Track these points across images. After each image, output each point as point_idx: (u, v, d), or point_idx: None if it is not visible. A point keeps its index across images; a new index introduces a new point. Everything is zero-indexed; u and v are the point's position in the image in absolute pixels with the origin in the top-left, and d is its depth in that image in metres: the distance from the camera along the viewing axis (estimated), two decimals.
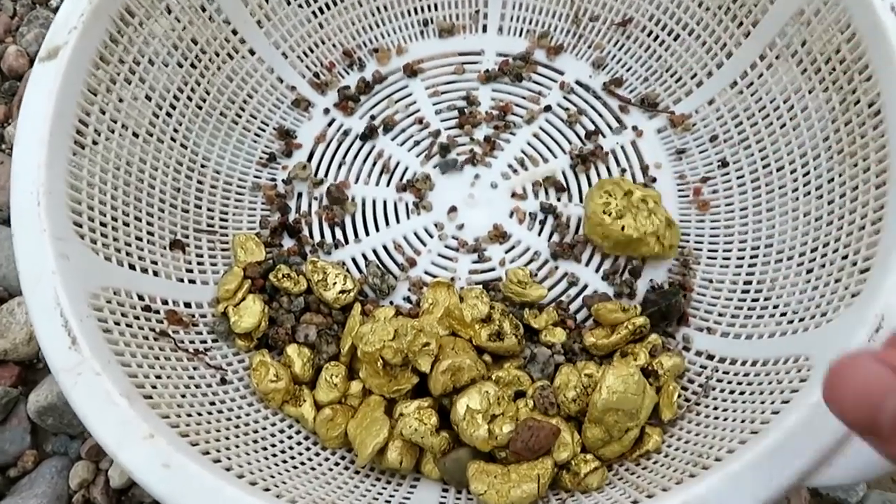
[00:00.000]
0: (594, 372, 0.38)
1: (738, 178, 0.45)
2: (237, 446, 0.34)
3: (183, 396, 0.35)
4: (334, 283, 0.43)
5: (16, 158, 0.35)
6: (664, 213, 0.44)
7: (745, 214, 0.44)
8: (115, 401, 0.30)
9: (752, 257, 0.43)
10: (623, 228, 0.43)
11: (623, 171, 0.48)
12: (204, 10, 0.46)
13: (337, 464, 0.38)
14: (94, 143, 0.39)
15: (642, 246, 0.43)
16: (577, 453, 0.36)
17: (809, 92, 0.41)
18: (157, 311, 0.39)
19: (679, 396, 0.38)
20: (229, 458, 0.32)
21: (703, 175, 0.47)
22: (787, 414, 0.29)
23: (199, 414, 0.35)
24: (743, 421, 0.32)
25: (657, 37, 0.50)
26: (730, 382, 0.37)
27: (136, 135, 0.42)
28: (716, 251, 0.44)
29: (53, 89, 0.37)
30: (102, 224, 0.38)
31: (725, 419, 0.34)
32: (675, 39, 0.49)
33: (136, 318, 0.37)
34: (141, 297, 0.38)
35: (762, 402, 0.33)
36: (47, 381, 0.43)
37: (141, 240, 0.41)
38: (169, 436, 0.30)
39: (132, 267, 0.39)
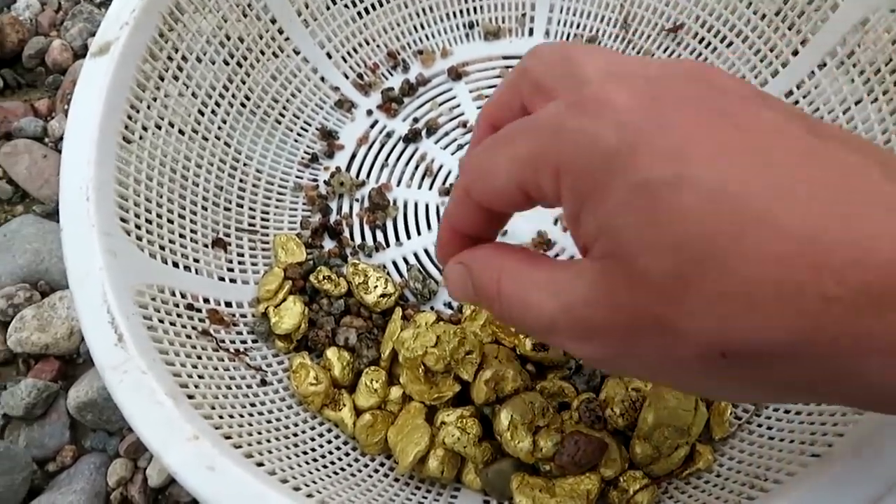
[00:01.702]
0: (642, 386, 0.37)
1: None
2: (278, 450, 0.34)
3: (224, 397, 0.35)
4: (375, 287, 0.43)
5: (66, 153, 0.35)
6: None
7: None
8: (160, 400, 0.30)
9: None
10: None
11: None
12: (251, 7, 0.46)
13: (376, 470, 0.37)
14: (141, 138, 0.39)
15: None
16: (624, 469, 0.35)
17: (872, 102, 0.40)
18: (199, 310, 0.39)
19: (730, 414, 0.37)
20: (272, 462, 0.32)
21: None
22: (854, 437, 0.28)
23: (241, 416, 0.34)
24: (802, 443, 0.31)
25: (709, 43, 0.49)
26: None
27: (181, 132, 0.42)
28: None
29: (104, 85, 0.36)
30: (147, 221, 0.38)
31: (782, 440, 0.33)
32: (727, 46, 0.48)
33: (179, 316, 0.37)
34: (183, 295, 0.38)
35: (822, 424, 0.31)
36: (87, 377, 0.43)
37: (184, 237, 0.41)
38: (213, 437, 0.30)
39: (175, 264, 0.39)
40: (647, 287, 0.17)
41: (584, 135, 0.18)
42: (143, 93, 0.39)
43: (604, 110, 0.18)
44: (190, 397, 0.32)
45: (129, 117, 0.38)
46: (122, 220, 0.36)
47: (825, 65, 0.43)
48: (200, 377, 0.34)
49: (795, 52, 0.45)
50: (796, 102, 0.45)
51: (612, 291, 0.18)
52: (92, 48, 0.38)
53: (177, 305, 0.37)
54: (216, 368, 0.36)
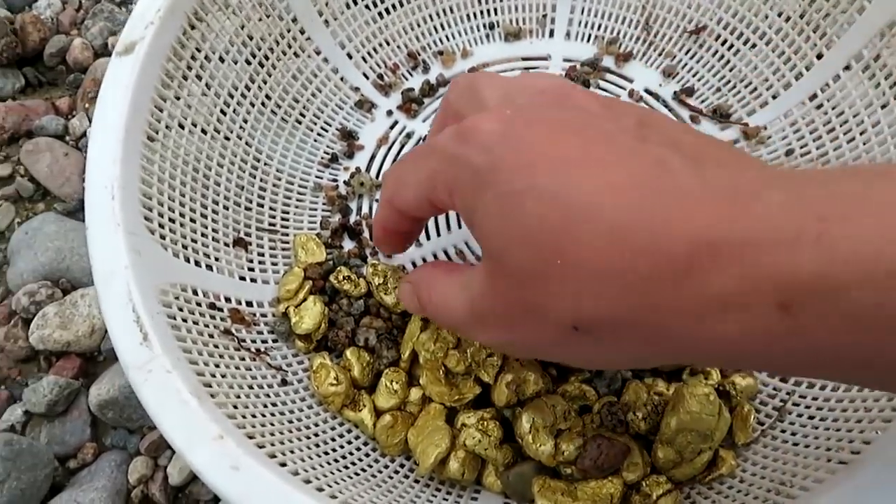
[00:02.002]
0: (664, 390, 0.37)
1: None
2: (300, 450, 0.34)
3: (246, 397, 0.35)
4: (395, 287, 0.43)
5: (91, 152, 0.35)
6: None
7: None
8: (184, 399, 0.30)
9: None
10: None
11: None
12: (273, 7, 0.46)
13: (397, 471, 0.37)
14: (165, 137, 0.39)
15: None
16: (647, 474, 0.35)
17: None
18: (221, 309, 0.39)
19: (754, 419, 0.36)
20: (294, 463, 0.32)
21: None
22: (882, 444, 0.28)
23: (263, 415, 0.34)
24: (829, 449, 0.31)
25: (731, 45, 0.48)
26: (808, 407, 0.36)
27: (203, 131, 0.42)
28: None
29: (130, 84, 0.37)
30: (170, 220, 0.38)
31: (807, 446, 0.33)
32: (750, 49, 0.48)
33: (202, 315, 0.37)
34: (206, 295, 0.38)
35: (849, 431, 0.31)
36: (108, 375, 0.43)
37: (206, 236, 0.41)
38: (237, 437, 0.30)
39: (197, 264, 0.39)
40: (514, 278, 0.21)
41: (460, 158, 0.23)
42: (166, 92, 0.39)
43: (475, 136, 0.23)
44: (213, 396, 0.32)
45: (154, 116, 0.38)
46: (147, 218, 0.36)
47: (850, 68, 0.43)
48: (223, 376, 0.34)
49: (820, 56, 0.44)
50: (820, 106, 0.44)
51: (494, 285, 0.23)
52: (117, 47, 0.38)
53: (199, 305, 0.37)
54: (238, 368, 0.36)
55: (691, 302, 0.18)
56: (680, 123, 0.24)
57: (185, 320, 0.35)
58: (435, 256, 0.46)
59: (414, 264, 0.46)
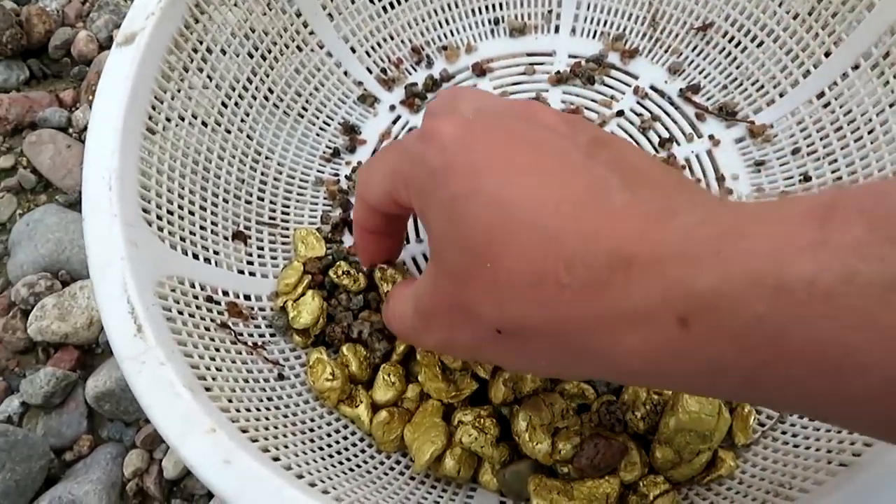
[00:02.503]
0: (664, 390, 0.36)
1: None
2: (294, 444, 0.34)
3: (242, 391, 0.35)
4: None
5: (89, 143, 0.35)
6: None
7: None
8: (178, 392, 0.30)
9: None
10: None
11: (698, 181, 0.46)
12: (276, 0, 0.45)
13: (392, 468, 0.37)
14: (164, 129, 0.39)
15: None
16: (644, 474, 0.34)
17: None
18: (219, 303, 0.38)
19: (754, 420, 0.36)
20: (288, 457, 0.32)
21: (782, 189, 0.45)
22: (883, 447, 0.27)
23: (258, 409, 0.34)
24: (829, 451, 0.30)
25: (739, 42, 0.48)
26: None
27: (204, 124, 0.42)
28: None
29: (129, 75, 0.36)
30: (169, 212, 0.38)
31: (808, 448, 0.32)
32: (758, 46, 0.47)
33: (199, 308, 0.37)
34: (203, 288, 0.38)
35: (850, 433, 0.30)
36: (105, 367, 0.43)
37: (205, 229, 0.40)
38: (230, 431, 0.30)
39: (195, 256, 0.39)
40: (451, 277, 0.22)
41: (419, 157, 0.23)
42: (167, 83, 0.39)
43: (435, 137, 0.23)
44: (207, 390, 0.32)
45: (154, 108, 0.38)
46: (144, 210, 0.36)
47: (859, 66, 0.42)
48: (218, 370, 0.34)
49: (828, 53, 0.44)
50: (828, 104, 0.44)
51: (436, 284, 0.23)
52: (118, 38, 0.38)
53: (196, 297, 0.37)
54: (234, 362, 0.36)
55: (606, 315, 0.19)
56: (634, 147, 0.24)
57: (181, 313, 0.35)
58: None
59: (414, 260, 0.45)
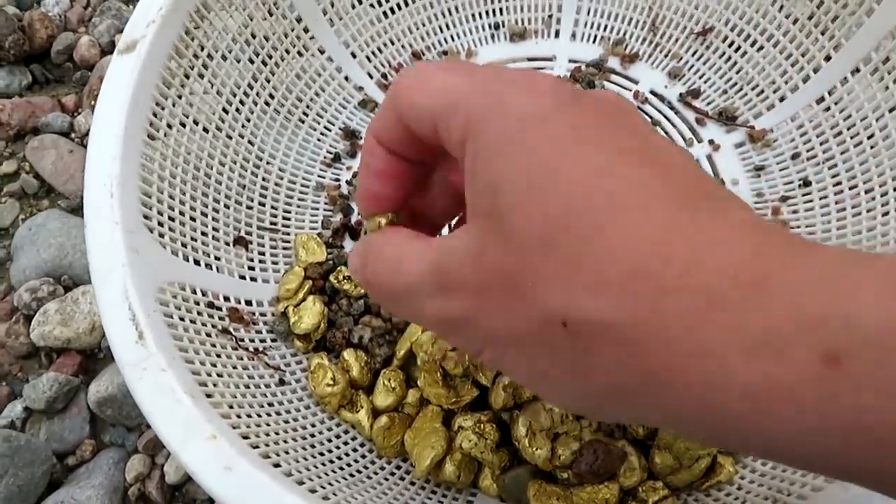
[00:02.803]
0: None
1: (820, 198, 0.43)
2: (295, 450, 0.34)
3: (242, 396, 0.35)
4: None
5: (91, 149, 0.35)
6: None
7: (827, 238, 0.42)
8: (179, 398, 0.30)
9: None
10: None
11: None
12: (277, 6, 0.46)
13: (392, 473, 0.37)
14: (166, 135, 0.39)
15: None
16: (643, 479, 0.34)
17: None
18: (220, 308, 0.39)
19: None
20: (288, 463, 0.32)
21: (782, 194, 0.45)
22: None
23: (258, 415, 0.34)
24: None
25: (739, 47, 0.48)
26: None
27: (205, 130, 0.42)
28: None
29: (130, 82, 0.37)
30: (170, 218, 0.38)
31: None
32: (758, 51, 0.47)
33: (200, 314, 0.37)
34: (204, 293, 0.38)
35: None
36: (108, 372, 0.43)
37: (206, 235, 0.41)
38: (231, 437, 0.30)
39: (197, 262, 0.39)
40: (514, 244, 0.18)
41: (504, 95, 0.19)
42: (168, 90, 0.39)
43: (538, 85, 0.19)
44: (208, 396, 0.32)
45: (155, 114, 0.38)
46: (146, 216, 0.36)
47: (858, 70, 0.42)
48: (219, 376, 0.34)
49: (828, 58, 0.44)
50: (828, 109, 0.44)
51: (484, 246, 0.18)
52: (119, 45, 0.38)
53: (197, 303, 0.37)
54: (235, 367, 0.36)
55: (716, 337, 0.15)
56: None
57: (182, 319, 0.35)
58: None
59: None
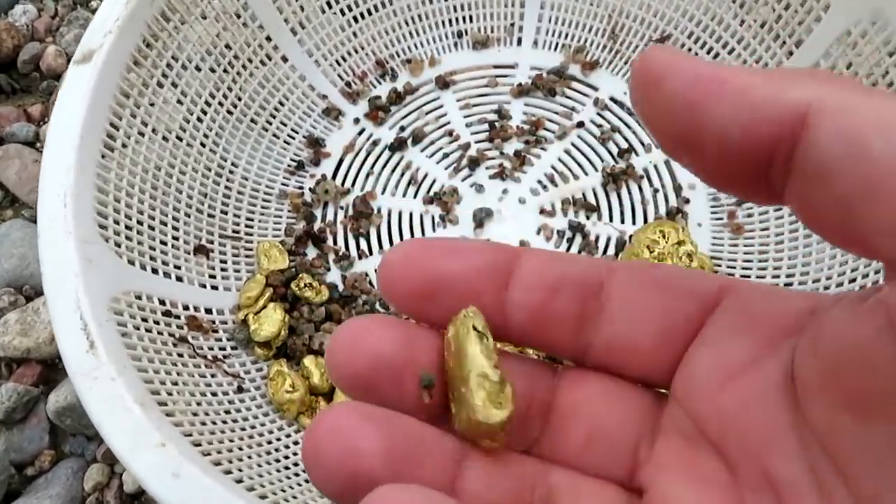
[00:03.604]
0: None
1: None
2: (250, 457, 0.34)
3: (198, 404, 0.35)
4: None
5: (46, 160, 0.35)
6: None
7: (780, 240, 0.43)
8: (128, 407, 0.30)
9: (786, 285, 0.41)
10: None
11: (655, 191, 0.47)
12: (238, 16, 0.46)
13: None
14: (124, 146, 0.39)
15: None
16: None
17: None
18: (178, 317, 0.39)
19: None
20: (241, 470, 0.32)
21: (738, 198, 0.45)
22: None
23: (214, 423, 0.35)
24: None
25: (696, 55, 0.49)
26: None
27: (165, 139, 0.42)
28: (748, 277, 0.43)
29: (86, 93, 0.37)
30: (128, 227, 0.38)
31: None
32: (714, 58, 0.48)
33: (157, 322, 0.37)
34: (162, 302, 0.38)
35: None
36: (67, 382, 0.43)
37: (165, 244, 0.41)
38: (181, 445, 0.30)
39: (155, 271, 0.39)
40: None
41: None
42: (126, 100, 0.39)
43: None
44: (162, 404, 0.32)
45: (112, 124, 0.38)
46: (101, 226, 0.36)
47: None
48: (174, 384, 0.35)
49: (780, 63, 0.45)
50: None
51: None
52: (75, 56, 0.38)
53: (154, 312, 0.37)
54: (192, 375, 0.36)
55: None
56: None
57: (137, 328, 0.35)
58: None
59: (378, 272, 0.45)
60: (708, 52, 0.48)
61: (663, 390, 0.16)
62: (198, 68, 0.44)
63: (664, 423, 0.15)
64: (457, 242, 0.17)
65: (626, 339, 0.16)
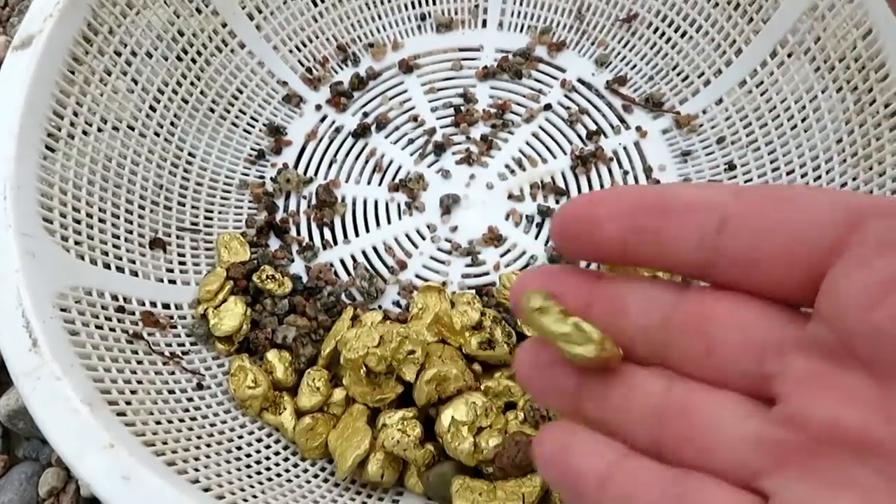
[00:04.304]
0: None
1: (745, 181, 0.43)
2: (208, 456, 0.33)
3: (154, 403, 0.34)
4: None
5: None
6: None
7: None
8: (75, 407, 0.29)
9: None
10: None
11: (625, 173, 0.46)
12: (190, 0, 0.44)
13: (316, 476, 0.36)
14: (71, 136, 0.37)
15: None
16: None
17: (822, 91, 0.39)
18: (133, 313, 0.37)
19: None
20: (197, 470, 0.31)
21: (709, 178, 0.45)
22: None
23: (170, 422, 0.33)
24: None
25: (663, 33, 0.48)
26: None
27: (115, 129, 0.41)
28: None
29: (25, 79, 0.35)
30: (76, 221, 0.37)
31: None
32: (682, 36, 0.47)
33: (108, 319, 0.35)
34: (115, 298, 0.37)
35: None
36: None
37: (118, 238, 0.39)
38: (131, 446, 0.29)
39: (107, 266, 0.38)
40: None
41: None
42: (70, 88, 0.37)
43: None
44: (112, 404, 0.31)
45: (56, 113, 0.36)
46: (46, 220, 0.35)
47: (776, 53, 0.42)
48: (127, 382, 0.33)
49: (748, 41, 0.44)
50: (750, 92, 0.44)
51: None
52: (14, 41, 0.36)
53: (106, 308, 0.36)
54: (147, 373, 0.35)
55: None
56: None
57: (86, 325, 0.33)
58: (364, 254, 0.44)
59: (342, 262, 0.44)
60: (676, 31, 0.47)
61: (800, 307, 0.15)
62: (149, 55, 0.43)
63: (801, 339, 0.15)
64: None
65: (756, 255, 0.15)
